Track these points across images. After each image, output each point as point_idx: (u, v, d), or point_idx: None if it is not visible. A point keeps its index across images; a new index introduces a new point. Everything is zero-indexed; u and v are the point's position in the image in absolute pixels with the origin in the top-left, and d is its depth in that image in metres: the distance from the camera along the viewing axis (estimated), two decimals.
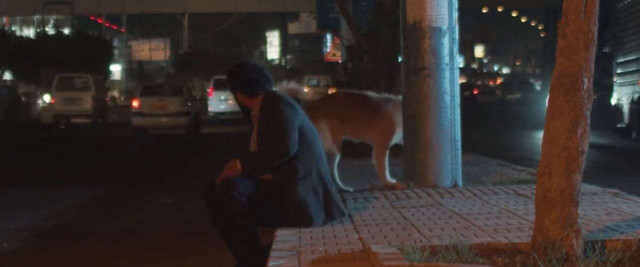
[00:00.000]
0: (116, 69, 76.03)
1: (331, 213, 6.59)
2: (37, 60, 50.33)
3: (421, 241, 5.74)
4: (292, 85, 8.01)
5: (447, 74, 8.98)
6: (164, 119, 28.49)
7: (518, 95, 63.68)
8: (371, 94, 9.36)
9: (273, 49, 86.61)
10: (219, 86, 40.28)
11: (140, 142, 26.03)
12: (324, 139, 8.70)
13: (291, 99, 6.68)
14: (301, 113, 6.60)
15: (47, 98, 41.25)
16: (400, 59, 10.20)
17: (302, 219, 6.46)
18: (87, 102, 37.89)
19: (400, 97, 9.15)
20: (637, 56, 20.80)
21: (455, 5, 9.03)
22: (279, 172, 6.46)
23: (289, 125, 6.42)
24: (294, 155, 6.41)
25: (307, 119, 6.66)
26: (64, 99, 37.29)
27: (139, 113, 28.54)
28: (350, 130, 9.02)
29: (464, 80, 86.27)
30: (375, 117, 8.97)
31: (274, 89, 6.77)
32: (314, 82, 61.34)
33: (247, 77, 6.62)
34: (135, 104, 29.19)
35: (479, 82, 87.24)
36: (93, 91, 38.53)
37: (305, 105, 8.68)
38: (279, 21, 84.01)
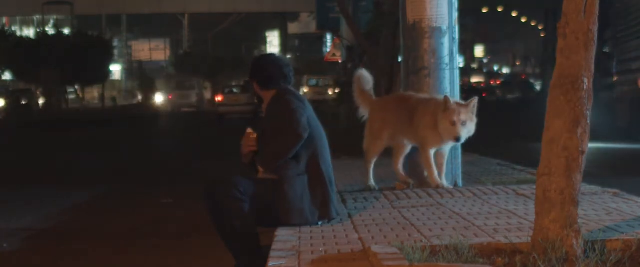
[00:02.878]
0: (116, 69, 76.02)
1: (327, 212, 6.59)
2: (37, 60, 50.31)
3: (421, 241, 5.74)
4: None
5: (447, 74, 8.97)
6: (237, 108, 41.94)
7: (518, 96, 63.72)
8: (415, 95, 9.01)
9: (273, 49, 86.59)
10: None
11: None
12: (378, 137, 8.73)
13: (300, 95, 6.75)
14: (308, 109, 6.63)
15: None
16: (400, 59, 10.18)
17: (296, 217, 6.47)
18: (192, 97, 59.06)
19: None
20: (637, 55, 20.81)
21: (455, 5, 9.03)
22: (279, 167, 6.49)
23: (296, 113, 6.49)
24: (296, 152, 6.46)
25: (314, 115, 6.69)
26: (178, 95, 58.91)
27: (223, 104, 43.09)
28: (403, 133, 8.74)
29: (480, 80, 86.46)
30: (415, 118, 8.67)
31: (285, 87, 6.77)
32: (314, 82, 61.31)
33: (263, 70, 6.74)
34: (219, 98, 44.87)
35: (477, 80, 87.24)
36: (196, 89, 61.03)
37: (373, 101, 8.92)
38: (279, 21, 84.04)
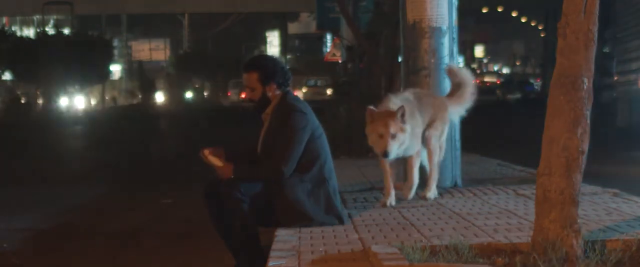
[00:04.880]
0: (116, 69, 76.04)
1: (329, 218, 6.58)
2: (37, 60, 50.31)
3: (421, 241, 5.74)
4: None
5: None
6: None
7: (518, 96, 63.80)
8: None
9: (273, 49, 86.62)
10: None
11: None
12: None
13: (304, 104, 6.67)
14: (312, 120, 6.59)
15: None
16: (400, 59, 10.17)
17: (300, 219, 6.47)
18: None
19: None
20: (637, 55, 20.83)
21: (455, 5, 9.03)
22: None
23: (294, 144, 6.43)
24: (299, 159, 6.44)
25: (318, 124, 6.65)
26: (236, 93, 66.56)
27: (246, 100, 49.16)
28: None
29: (493, 80, 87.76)
30: None
31: (288, 91, 6.74)
32: (313, 82, 61.46)
33: (267, 64, 6.67)
34: (243, 95, 50.17)
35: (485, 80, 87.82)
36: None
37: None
38: (279, 21, 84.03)
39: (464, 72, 8.28)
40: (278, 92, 6.64)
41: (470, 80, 8.22)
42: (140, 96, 70.74)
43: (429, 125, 7.84)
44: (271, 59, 6.88)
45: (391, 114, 7.22)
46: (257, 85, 6.64)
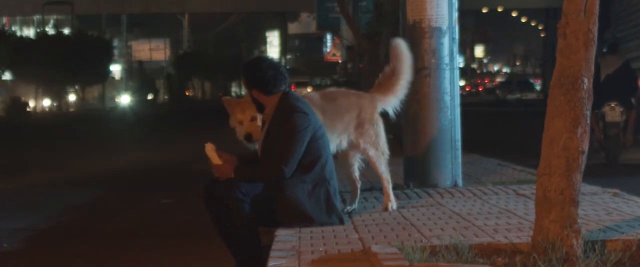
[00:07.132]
0: (116, 69, 76.11)
1: (330, 218, 6.58)
2: (37, 60, 50.40)
3: (421, 241, 5.74)
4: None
5: (447, 74, 8.98)
6: None
7: (518, 96, 63.94)
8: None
9: (273, 49, 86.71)
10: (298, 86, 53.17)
11: None
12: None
13: (306, 104, 6.64)
14: (314, 120, 6.57)
15: None
16: None
17: (300, 220, 6.47)
18: None
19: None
20: (637, 55, 20.83)
21: (455, 5, 9.04)
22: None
23: (295, 144, 6.40)
24: (300, 159, 6.43)
25: (320, 124, 6.63)
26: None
27: None
28: None
29: (501, 80, 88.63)
30: None
31: (289, 91, 6.71)
32: (317, 82, 61.57)
33: (264, 75, 6.51)
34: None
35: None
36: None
37: None
38: (279, 21, 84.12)
39: (405, 57, 7.55)
40: (268, 95, 6.56)
41: (409, 68, 7.54)
42: (140, 97, 70.77)
43: (358, 133, 7.31)
44: (255, 64, 6.64)
45: (246, 99, 6.77)
46: (246, 88, 6.66)
